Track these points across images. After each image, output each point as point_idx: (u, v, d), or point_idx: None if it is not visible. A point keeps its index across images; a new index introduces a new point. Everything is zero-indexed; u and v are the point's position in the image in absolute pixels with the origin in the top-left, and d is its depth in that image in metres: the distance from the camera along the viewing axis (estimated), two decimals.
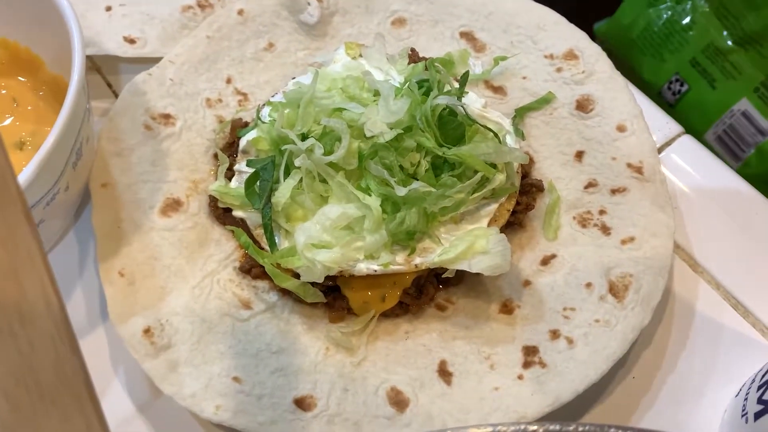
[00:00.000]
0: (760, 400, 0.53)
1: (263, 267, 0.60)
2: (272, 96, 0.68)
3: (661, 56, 0.98)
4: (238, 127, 0.68)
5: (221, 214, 0.65)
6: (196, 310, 0.59)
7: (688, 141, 0.74)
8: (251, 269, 0.62)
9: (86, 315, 0.64)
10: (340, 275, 0.59)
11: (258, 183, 0.61)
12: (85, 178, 0.64)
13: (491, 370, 0.57)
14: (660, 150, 0.72)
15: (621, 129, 0.67)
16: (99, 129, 0.67)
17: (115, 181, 0.65)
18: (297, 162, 0.59)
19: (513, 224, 0.64)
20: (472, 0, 0.75)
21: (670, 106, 0.98)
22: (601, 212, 0.64)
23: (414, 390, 0.57)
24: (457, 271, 0.59)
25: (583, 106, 0.69)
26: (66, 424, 0.29)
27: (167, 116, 0.68)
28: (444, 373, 0.58)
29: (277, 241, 0.60)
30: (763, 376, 0.54)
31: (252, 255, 0.60)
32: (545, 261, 0.62)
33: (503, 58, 0.71)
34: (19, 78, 0.70)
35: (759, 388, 0.54)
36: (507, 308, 0.61)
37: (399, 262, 0.59)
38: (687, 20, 0.95)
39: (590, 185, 0.65)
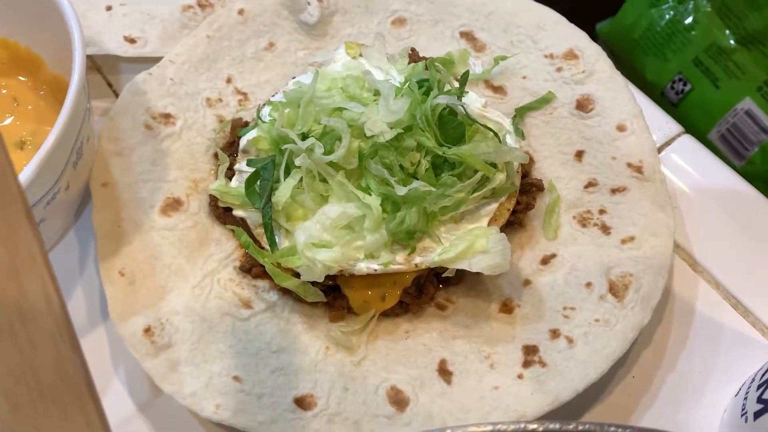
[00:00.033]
0: (759, 400, 0.53)
1: (263, 266, 0.60)
2: (272, 95, 0.68)
3: (663, 56, 0.98)
4: (239, 126, 0.68)
5: (221, 213, 0.65)
6: (197, 310, 0.59)
7: (687, 140, 0.74)
8: (251, 268, 0.62)
9: (87, 314, 0.64)
10: (340, 274, 0.59)
11: (258, 182, 0.61)
12: (86, 177, 0.64)
13: (491, 370, 0.57)
14: (660, 149, 0.73)
15: (621, 128, 0.67)
16: (99, 128, 0.67)
17: (116, 181, 0.65)
18: (297, 161, 0.59)
19: (513, 224, 0.64)
20: (472, 0, 0.75)
21: (673, 105, 0.98)
22: (601, 212, 0.64)
23: (414, 389, 0.57)
24: (457, 270, 0.59)
25: (583, 105, 0.69)
26: (67, 423, 0.29)
27: (167, 116, 0.69)
28: (444, 372, 0.58)
29: (277, 240, 0.60)
30: (763, 375, 0.54)
31: (252, 254, 0.61)
32: (545, 260, 0.62)
33: (503, 58, 0.71)
34: (20, 77, 0.70)
35: (759, 387, 0.54)
36: (507, 307, 0.61)
37: (399, 261, 0.59)
38: (689, 20, 0.95)
39: (590, 185, 0.65)
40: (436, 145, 0.60)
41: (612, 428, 0.34)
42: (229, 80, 0.72)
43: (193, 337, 0.58)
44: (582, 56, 0.71)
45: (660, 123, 0.74)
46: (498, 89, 0.71)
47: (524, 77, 0.71)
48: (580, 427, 0.34)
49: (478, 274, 0.57)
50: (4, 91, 0.69)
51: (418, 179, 0.59)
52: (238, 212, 0.63)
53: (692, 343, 0.63)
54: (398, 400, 0.56)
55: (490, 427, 0.34)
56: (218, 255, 0.63)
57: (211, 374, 0.56)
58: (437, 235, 0.60)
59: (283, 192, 0.60)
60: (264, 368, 0.57)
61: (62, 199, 0.59)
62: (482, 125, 0.62)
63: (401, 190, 0.57)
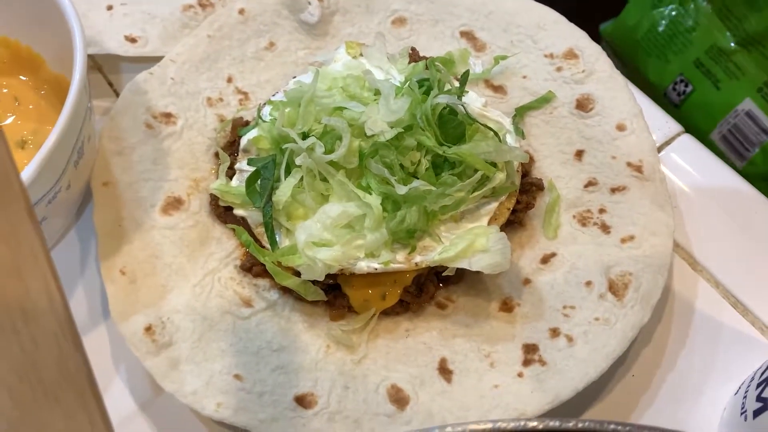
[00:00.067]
0: (759, 398, 0.53)
1: (264, 265, 0.60)
2: (273, 95, 0.68)
3: (665, 57, 0.99)
4: (239, 125, 0.68)
5: (222, 212, 0.65)
6: (197, 308, 0.60)
7: (687, 140, 0.74)
8: (252, 267, 0.62)
9: (88, 313, 0.64)
10: (340, 273, 0.59)
11: (259, 181, 0.61)
12: (87, 176, 0.64)
13: (491, 368, 0.58)
14: (660, 149, 0.73)
15: (621, 128, 0.67)
16: (100, 128, 0.67)
17: (117, 180, 0.65)
18: (298, 161, 0.59)
19: (513, 223, 0.64)
20: (472, 0, 0.75)
21: (675, 106, 0.98)
22: (601, 211, 0.64)
23: (414, 388, 0.57)
24: (458, 269, 0.59)
25: (583, 105, 0.69)
26: (69, 421, 0.29)
27: (168, 115, 0.69)
28: (444, 370, 0.58)
29: (277, 239, 0.61)
30: (762, 373, 0.54)
31: (253, 253, 0.61)
32: (545, 259, 0.63)
33: (503, 58, 0.71)
34: (21, 77, 0.70)
35: (758, 385, 0.54)
36: (507, 306, 0.61)
37: (399, 260, 0.59)
38: (690, 22, 0.95)
39: (590, 184, 0.65)
40: (437, 145, 0.60)
41: (611, 426, 0.34)
42: (229, 80, 0.72)
43: (194, 336, 0.58)
44: (582, 56, 0.71)
45: (660, 122, 0.74)
46: (498, 89, 0.71)
47: (524, 77, 0.71)
48: (580, 425, 0.34)
49: (478, 273, 0.58)
50: (5, 91, 0.69)
51: (418, 178, 0.59)
52: (238, 211, 0.64)
53: (692, 341, 0.63)
54: (398, 399, 0.56)
55: (490, 425, 0.34)
56: (219, 254, 0.63)
57: (212, 373, 0.57)
58: (437, 234, 0.60)
59: (284, 191, 0.60)
60: (265, 367, 0.57)
61: (63, 198, 0.60)
62: (482, 125, 0.62)
63: (401, 189, 0.57)
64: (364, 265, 0.58)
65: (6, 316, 0.28)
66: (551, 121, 0.69)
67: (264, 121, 0.65)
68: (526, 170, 0.66)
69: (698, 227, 0.68)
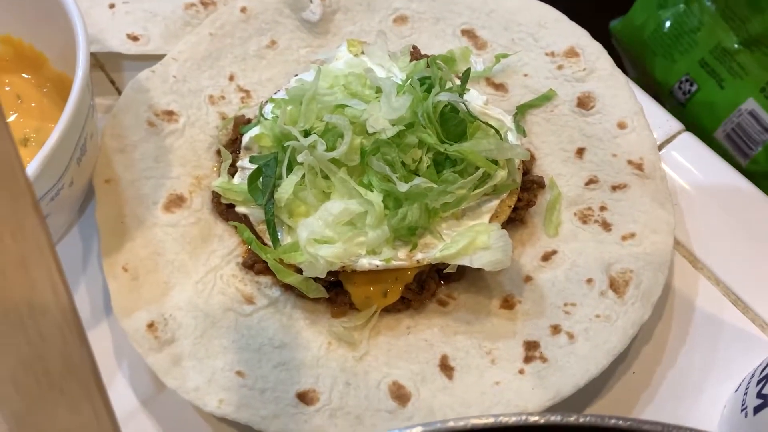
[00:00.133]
0: (759, 395, 0.53)
1: (266, 262, 0.60)
2: (275, 93, 0.69)
3: (671, 57, 0.99)
4: (241, 123, 0.68)
5: (224, 210, 0.65)
6: (200, 305, 0.60)
7: (688, 138, 0.74)
8: (254, 264, 0.62)
9: (90, 310, 0.64)
10: (342, 270, 0.59)
11: (261, 179, 0.61)
12: (89, 173, 0.65)
13: (492, 365, 0.58)
14: (660, 147, 0.73)
15: (621, 126, 0.67)
16: (102, 125, 0.67)
17: (119, 177, 0.65)
18: (299, 158, 0.60)
19: (514, 220, 0.64)
20: None
21: (681, 105, 0.99)
22: (602, 208, 0.64)
23: (415, 384, 0.57)
24: (459, 266, 0.59)
25: (584, 103, 0.69)
26: (74, 413, 0.30)
27: (170, 113, 0.69)
28: (445, 367, 0.58)
29: (279, 236, 0.61)
30: (763, 370, 0.54)
31: (255, 250, 0.61)
32: (546, 257, 0.63)
33: (504, 56, 0.72)
34: (23, 75, 0.70)
35: (758, 382, 0.54)
36: (508, 303, 0.61)
37: (401, 257, 0.59)
38: (695, 22, 0.96)
39: (591, 182, 0.66)
40: (438, 142, 0.60)
41: (612, 420, 0.34)
42: (231, 78, 0.72)
43: (196, 333, 0.58)
44: (583, 54, 0.71)
45: (660, 120, 0.74)
46: (499, 87, 0.72)
47: (525, 75, 0.72)
48: (581, 420, 0.35)
49: (479, 270, 0.58)
50: (7, 89, 0.69)
51: (419, 176, 0.59)
52: (240, 209, 0.64)
53: (692, 339, 0.63)
54: (400, 395, 0.56)
55: (492, 420, 0.34)
56: (221, 251, 0.63)
57: (214, 369, 0.57)
58: (439, 232, 0.60)
59: (286, 189, 0.60)
60: (267, 363, 0.57)
61: (66, 195, 0.60)
62: (483, 122, 0.62)
63: (403, 187, 0.57)
64: (366, 263, 0.58)
65: (13, 309, 0.28)
66: (552, 119, 0.69)
67: (266, 119, 0.65)
68: (527, 168, 0.66)
69: (699, 225, 0.69)
